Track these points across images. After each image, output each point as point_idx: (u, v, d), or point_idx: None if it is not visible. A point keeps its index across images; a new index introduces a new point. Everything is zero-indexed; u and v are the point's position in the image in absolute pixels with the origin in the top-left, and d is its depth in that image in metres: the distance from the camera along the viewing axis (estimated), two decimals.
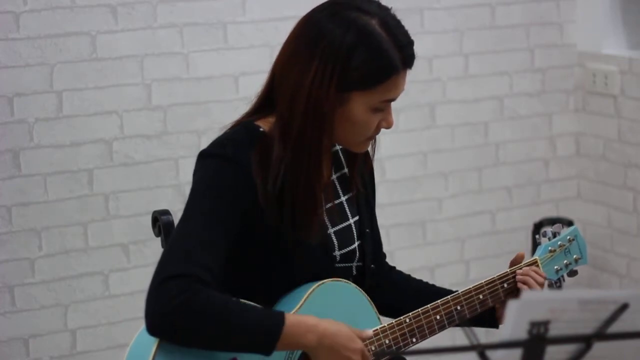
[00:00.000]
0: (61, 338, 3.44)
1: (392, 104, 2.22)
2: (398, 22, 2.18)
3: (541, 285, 2.36)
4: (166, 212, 2.44)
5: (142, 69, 3.46)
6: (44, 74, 3.34)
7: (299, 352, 2.20)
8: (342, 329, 2.12)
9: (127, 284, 3.49)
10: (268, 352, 2.07)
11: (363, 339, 2.15)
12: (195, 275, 2.04)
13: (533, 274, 2.36)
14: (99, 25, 3.39)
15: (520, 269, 2.38)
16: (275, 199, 2.16)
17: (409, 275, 2.54)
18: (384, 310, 2.41)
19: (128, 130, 3.46)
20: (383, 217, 3.76)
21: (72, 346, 3.46)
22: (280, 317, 2.08)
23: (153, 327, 2.05)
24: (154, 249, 3.07)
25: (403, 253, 3.84)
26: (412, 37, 2.19)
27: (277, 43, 2.23)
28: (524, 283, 2.35)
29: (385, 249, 2.55)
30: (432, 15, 3.88)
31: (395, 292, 2.47)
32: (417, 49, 2.20)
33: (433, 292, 2.45)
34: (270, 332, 2.06)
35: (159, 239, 2.47)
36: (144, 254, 3.48)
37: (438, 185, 3.99)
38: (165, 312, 2.02)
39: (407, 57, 2.17)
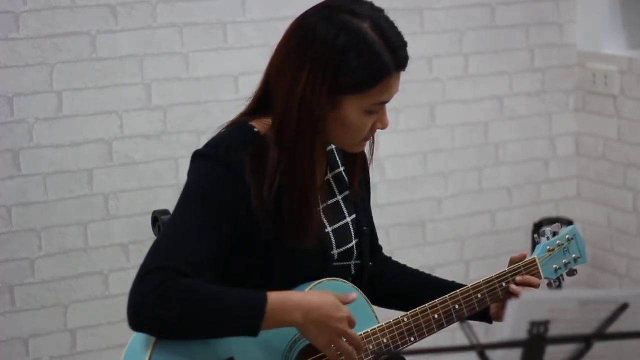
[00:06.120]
0: (61, 338, 3.44)
1: (392, 104, 2.22)
2: (391, 24, 2.16)
3: None
4: (166, 212, 2.44)
5: (142, 69, 3.46)
6: (44, 74, 3.34)
7: (299, 348, 2.20)
8: (327, 299, 2.11)
9: (127, 284, 3.43)
10: (254, 333, 2.05)
11: (348, 302, 2.14)
12: (177, 268, 2.03)
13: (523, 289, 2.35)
14: (99, 25, 3.39)
15: (519, 268, 2.38)
16: (272, 203, 2.15)
17: (405, 265, 2.54)
18: (382, 301, 2.43)
19: (128, 130, 3.47)
20: (383, 217, 3.78)
21: (72, 346, 3.46)
22: (263, 295, 2.07)
23: (135, 321, 2.04)
24: None
25: (403, 253, 3.83)
26: (412, 37, 2.19)
27: (277, 43, 2.23)
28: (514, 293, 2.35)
29: (385, 249, 2.56)
30: (432, 15, 3.88)
31: (393, 282, 2.48)
32: (417, 49, 2.20)
33: (430, 281, 2.47)
34: (254, 311, 2.05)
35: None
36: (144, 254, 3.43)
37: (438, 185, 3.99)
38: (147, 304, 2.02)
39: (400, 60, 2.15)
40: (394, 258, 2.57)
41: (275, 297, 2.07)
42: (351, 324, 2.13)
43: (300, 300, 2.09)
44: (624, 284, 4.06)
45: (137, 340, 2.11)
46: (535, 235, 2.48)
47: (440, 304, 2.30)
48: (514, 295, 2.34)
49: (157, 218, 2.45)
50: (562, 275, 2.45)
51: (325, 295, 2.12)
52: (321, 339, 2.11)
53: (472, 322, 1.98)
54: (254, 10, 3.59)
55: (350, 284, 2.28)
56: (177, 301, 2.02)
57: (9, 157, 3.33)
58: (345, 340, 2.12)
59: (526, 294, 1.67)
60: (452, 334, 3.69)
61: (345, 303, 2.14)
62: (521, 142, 4.12)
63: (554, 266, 2.43)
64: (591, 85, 4.09)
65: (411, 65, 2.24)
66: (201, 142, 3.48)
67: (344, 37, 2.11)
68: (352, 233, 2.32)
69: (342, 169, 2.35)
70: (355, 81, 2.12)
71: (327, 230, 2.27)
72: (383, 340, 2.23)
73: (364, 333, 2.22)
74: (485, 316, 2.40)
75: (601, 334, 1.67)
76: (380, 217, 2.47)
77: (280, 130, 2.16)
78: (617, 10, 4.04)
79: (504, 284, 2.36)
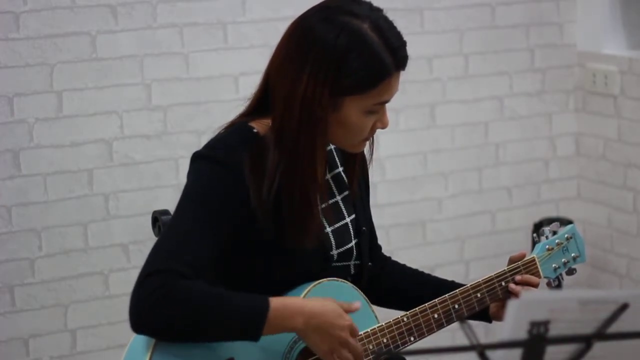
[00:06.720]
0: (61, 338, 3.44)
1: (392, 104, 2.22)
2: (390, 24, 2.16)
3: None
4: (166, 212, 2.44)
5: (142, 69, 3.46)
6: (44, 74, 3.34)
7: (298, 349, 2.20)
8: (328, 306, 2.11)
9: (127, 284, 3.45)
10: (255, 337, 2.06)
11: (351, 311, 2.14)
12: (178, 270, 2.03)
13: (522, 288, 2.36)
14: (99, 25, 3.39)
15: (518, 267, 2.38)
16: (271, 203, 2.15)
17: (404, 265, 2.55)
18: (382, 301, 2.43)
19: (128, 130, 3.47)
20: (383, 217, 3.78)
21: (72, 346, 3.46)
22: (265, 301, 2.07)
23: (136, 323, 2.04)
24: None
25: (403, 253, 3.83)
26: (412, 37, 2.19)
27: (276, 43, 2.23)
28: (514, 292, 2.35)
29: (385, 249, 2.56)
30: (432, 15, 3.88)
31: (392, 281, 2.48)
32: (417, 49, 2.20)
33: (430, 281, 2.48)
34: (255, 316, 2.05)
35: None
36: (144, 254, 3.42)
37: (438, 185, 3.99)
38: (147, 306, 2.01)
39: (399, 59, 2.15)
40: (394, 258, 2.57)
41: (277, 302, 2.07)
42: (353, 332, 2.13)
43: (302, 306, 2.09)
44: (624, 284, 4.06)
45: (137, 340, 2.11)
46: (534, 235, 2.48)
47: (440, 303, 2.30)
48: (513, 294, 2.34)
49: (157, 218, 2.45)
50: (561, 274, 2.46)
51: (327, 302, 2.12)
52: (322, 346, 2.11)
53: (471, 322, 1.98)
54: (254, 10, 3.59)
55: (349, 284, 2.28)
56: (178, 304, 2.02)
57: (9, 157, 3.33)
58: (346, 349, 2.12)
59: (526, 293, 1.67)
60: (452, 334, 3.69)
61: (348, 311, 2.14)
62: (521, 142, 4.12)
63: (553, 265, 2.43)
64: (591, 85, 4.09)
65: (411, 65, 2.24)
66: (201, 142, 3.48)
67: (343, 38, 2.11)
68: (351, 233, 2.32)
69: (340, 169, 2.35)
70: (356, 82, 2.12)
71: (326, 231, 2.27)
72: (383, 340, 2.23)
73: (364, 333, 2.22)
74: (485, 315, 2.40)
75: (601, 334, 1.67)
76: (380, 217, 2.47)
77: (280, 131, 2.16)
78: (617, 10, 4.04)
79: (503, 283, 2.36)
